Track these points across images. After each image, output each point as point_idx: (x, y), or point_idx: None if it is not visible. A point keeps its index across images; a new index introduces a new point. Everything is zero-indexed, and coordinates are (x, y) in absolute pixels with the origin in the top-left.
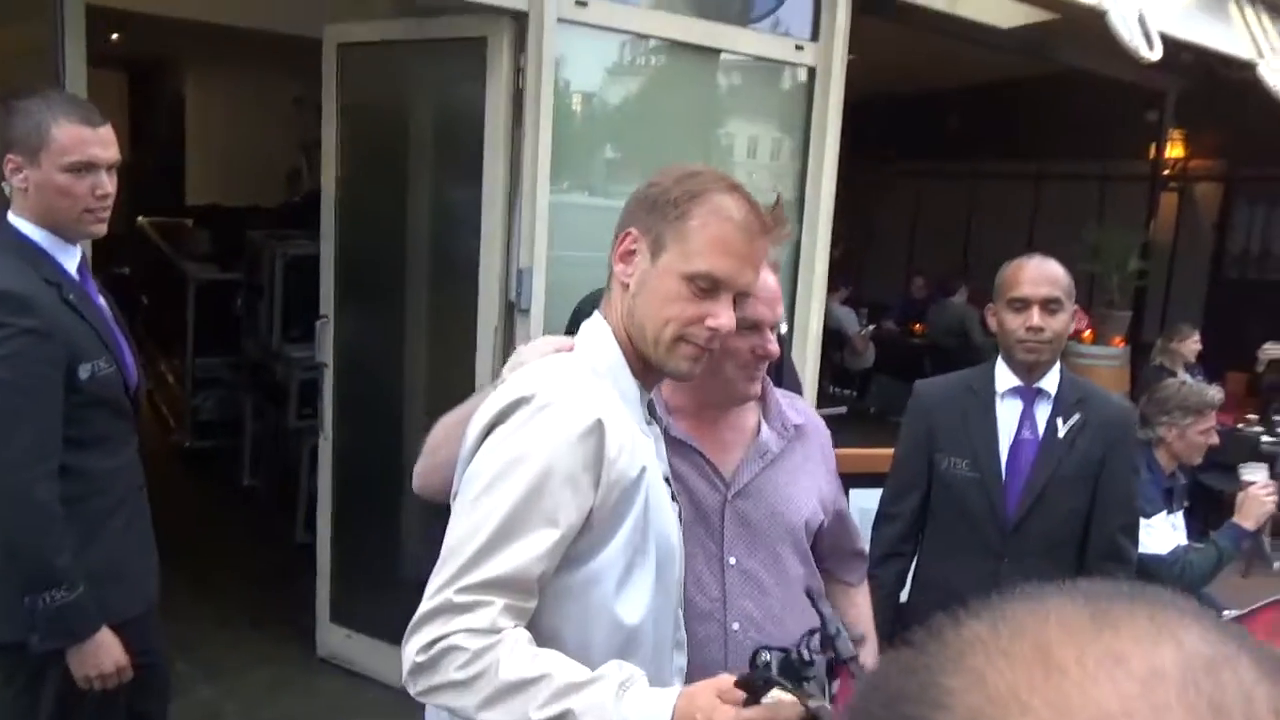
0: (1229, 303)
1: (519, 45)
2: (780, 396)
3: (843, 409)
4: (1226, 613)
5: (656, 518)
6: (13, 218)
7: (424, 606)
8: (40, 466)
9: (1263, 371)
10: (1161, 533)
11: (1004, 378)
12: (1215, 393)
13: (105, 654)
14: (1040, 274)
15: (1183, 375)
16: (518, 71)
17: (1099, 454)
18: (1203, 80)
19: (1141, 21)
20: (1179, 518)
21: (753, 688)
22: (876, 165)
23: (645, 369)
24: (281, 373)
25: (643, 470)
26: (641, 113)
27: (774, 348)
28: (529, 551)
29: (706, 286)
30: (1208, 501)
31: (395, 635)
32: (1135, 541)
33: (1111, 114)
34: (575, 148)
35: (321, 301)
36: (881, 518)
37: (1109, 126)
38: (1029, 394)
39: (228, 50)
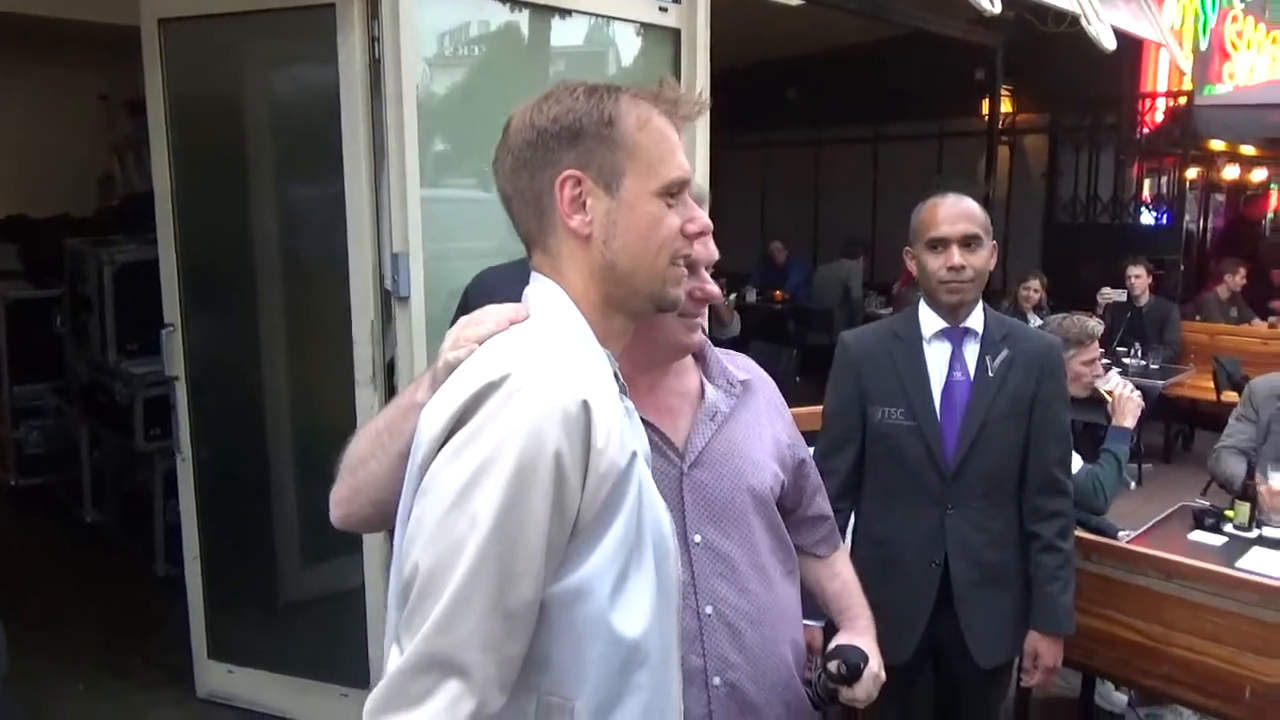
0: (1062, 246)
1: (371, 11)
2: (720, 353)
3: None
4: (1122, 533)
5: (650, 508)
6: None
7: (399, 664)
8: None
9: (1101, 314)
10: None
11: (929, 321)
12: (1095, 323)
13: None
14: (956, 211)
15: (1033, 319)
16: (372, 40)
17: (1031, 388)
18: (1024, 37)
19: None
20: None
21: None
22: (722, 136)
23: (608, 333)
24: (121, 392)
25: (633, 456)
26: (501, 81)
27: (713, 289)
28: (523, 575)
29: (677, 192)
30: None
31: (284, 663)
32: (1069, 473)
33: (944, 75)
34: (434, 122)
35: (165, 309)
36: None
37: (942, 87)
38: (956, 334)
39: (16, 43)
